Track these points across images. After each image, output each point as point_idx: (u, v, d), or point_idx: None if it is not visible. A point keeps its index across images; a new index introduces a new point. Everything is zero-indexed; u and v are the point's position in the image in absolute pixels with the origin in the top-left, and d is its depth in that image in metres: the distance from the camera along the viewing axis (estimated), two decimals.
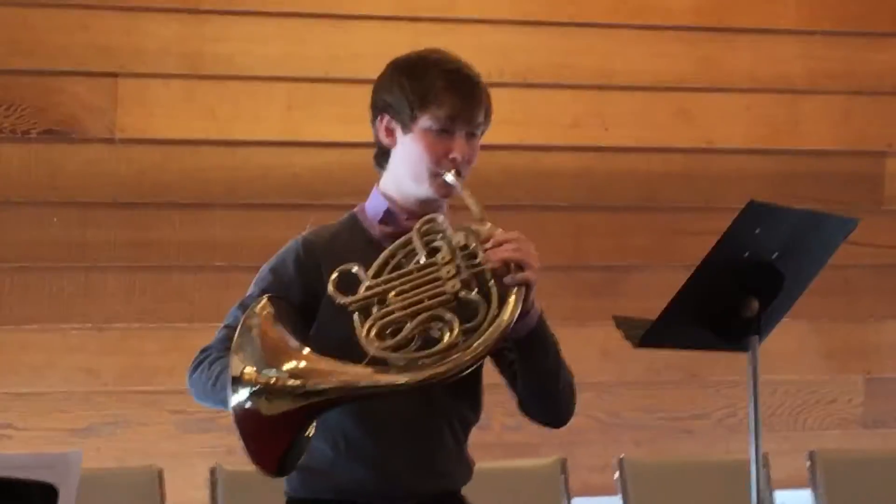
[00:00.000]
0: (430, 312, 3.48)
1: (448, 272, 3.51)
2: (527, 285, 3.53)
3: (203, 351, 3.73)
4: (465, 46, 6.40)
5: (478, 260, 3.52)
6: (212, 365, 3.67)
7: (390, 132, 3.79)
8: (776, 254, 4.43)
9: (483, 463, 6.35)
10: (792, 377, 7.12)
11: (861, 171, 7.29)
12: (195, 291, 5.99)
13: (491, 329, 3.47)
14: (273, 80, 6.59)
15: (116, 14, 6.52)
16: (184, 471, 6.27)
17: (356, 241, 3.76)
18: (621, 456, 6.53)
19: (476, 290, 3.50)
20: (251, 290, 3.78)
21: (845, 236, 4.63)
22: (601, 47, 6.99)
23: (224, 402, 3.55)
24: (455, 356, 3.44)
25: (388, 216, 3.79)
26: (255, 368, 3.42)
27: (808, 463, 6.63)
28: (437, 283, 3.51)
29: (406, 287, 3.52)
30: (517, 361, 3.71)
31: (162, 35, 6.57)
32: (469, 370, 3.49)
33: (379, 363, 3.46)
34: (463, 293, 3.49)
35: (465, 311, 3.48)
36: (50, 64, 6.48)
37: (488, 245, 3.53)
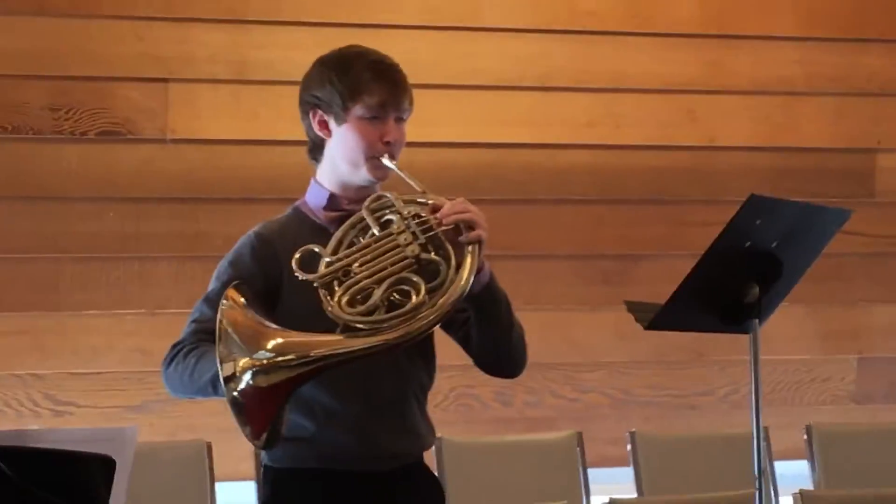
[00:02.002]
0: (396, 276, 3.47)
1: (405, 239, 3.50)
2: (479, 242, 3.52)
3: (174, 346, 3.68)
4: (489, 53, 6.56)
5: (430, 225, 3.51)
6: (186, 357, 3.63)
7: (324, 125, 3.75)
8: (775, 243, 4.43)
9: (506, 436, 6.41)
10: (790, 357, 7.12)
11: (853, 167, 7.28)
12: None
13: (453, 287, 3.47)
14: None
15: (167, 24, 6.54)
16: (230, 444, 6.24)
17: (304, 229, 3.72)
18: (633, 430, 6.52)
19: (433, 251, 3.50)
20: (212, 285, 3.73)
21: (839, 226, 4.65)
22: (614, 54, 6.99)
23: (202, 392, 3.60)
24: (423, 314, 3.43)
25: (332, 202, 3.74)
26: (247, 358, 3.42)
27: (805, 436, 6.63)
28: (397, 250, 3.50)
29: (368, 257, 3.51)
30: (474, 317, 3.68)
31: (209, 43, 6.59)
32: (435, 327, 3.51)
33: (350, 330, 3.44)
34: (423, 255, 3.48)
35: (426, 273, 3.49)
36: (106, 71, 6.51)
37: (439, 212, 3.53)
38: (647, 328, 4.71)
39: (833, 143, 7.28)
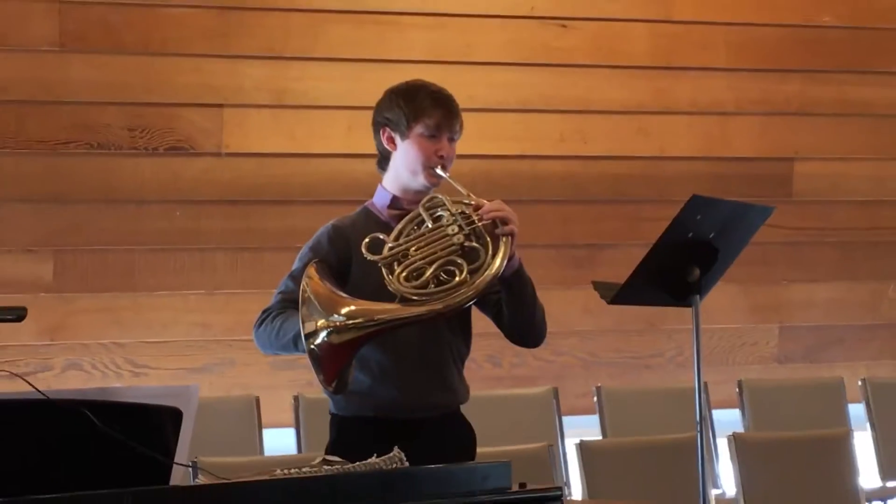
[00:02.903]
0: (444, 259, 3.54)
1: (453, 230, 3.56)
2: (511, 235, 3.58)
3: (263, 312, 3.72)
4: (480, 82, 6.59)
5: (472, 220, 3.57)
6: (273, 320, 3.67)
7: (391, 140, 3.77)
8: (712, 234, 4.44)
9: (496, 391, 6.42)
10: (724, 326, 7.10)
11: (775, 172, 7.27)
12: (281, 266, 5.99)
13: (489, 269, 3.54)
14: (338, 108, 6.58)
15: (222, 60, 6.52)
16: (275, 398, 6.27)
17: (371, 223, 3.75)
18: (598, 385, 6.54)
19: (476, 240, 3.57)
20: (295, 265, 3.74)
21: (764, 221, 4.67)
22: (581, 83, 6.97)
23: (285, 349, 3.66)
24: (463, 289, 3.51)
25: (394, 202, 3.77)
26: (324, 320, 3.46)
27: (737, 390, 6.63)
28: (446, 239, 3.56)
29: (422, 244, 3.57)
30: (505, 297, 3.71)
31: (255, 76, 6.58)
32: (473, 301, 3.57)
33: (405, 301, 3.51)
34: (467, 243, 3.55)
35: (468, 257, 3.55)
36: (173, 98, 6.48)
37: (480, 210, 3.58)
38: (609, 303, 4.73)
39: (758, 154, 7.26)
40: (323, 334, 3.48)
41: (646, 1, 7.06)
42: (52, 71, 6.33)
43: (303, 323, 3.48)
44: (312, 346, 3.48)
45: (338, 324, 3.48)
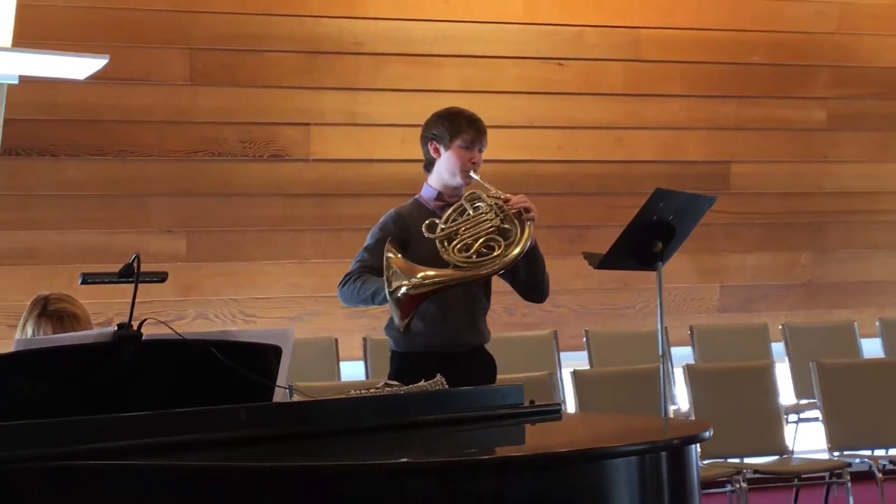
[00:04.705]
0: (486, 235, 3.57)
1: (491, 216, 3.58)
2: (533, 220, 3.62)
3: (346, 276, 3.74)
4: (498, 106, 6.61)
5: (504, 208, 3.60)
6: (355, 282, 3.69)
7: (436, 150, 3.78)
8: (671, 217, 4.45)
9: (510, 332, 6.41)
10: (680, 285, 7.07)
11: (717, 172, 7.22)
12: (353, 242, 6.00)
13: (521, 245, 3.56)
14: (394, 126, 6.56)
15: (309, 91, 6.53)
16: (349, 339, 6.29)
17: (423, 211, 3.76)
18: (587, 329, 6.54)
19: (508, 223, 3.59)
20: (368, 241, 3.77)
21: (709, 207, 4.65)
22: (572, 105, 6.94)
23: (364, 302, 3.69)
24: (500, 259, 3.55)
25: (439, 196, 3.78)
26: (405, 279, 3.51)
27: (689, 332, 6.62)
28: (487, 222, 3.58)
29: (469, 225, 3.59)
30: (523, 265, 3.72)
31: (332, 102, 6.58)
32: (507, 268, 3.59)
33: (457, 268, 3.55)
34: (502, 225, 3.58)
35: (503, 236, 3.58)
36: (273, 119, 6.49)
37: (510, 201, 3.61)
38: (595, 268, 4.74)
39: (705, 158, 7.20)
40: (403, 289, 3.51)
41: (621, 45, 7.01)
42: (185, 99, 6.35)
43: (389, 283, 3.51)
44: (398, 296, 3.52)
45: (415, 283, 3.52)
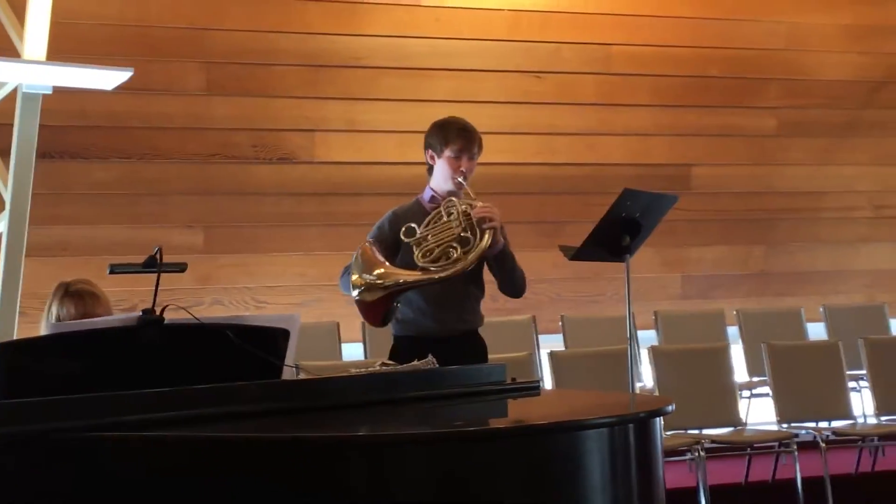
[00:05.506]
0: (447, 243, 3.52)
1: (456, 224, 3.54)
2: (493, 228, 3.55)
3: (345, 268, 3.69)
4: (483, 114, 6.54)
5: (469, 216, 3.55)
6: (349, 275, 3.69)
7: (432, 157, 3.75)
8: (638, 214, 4.45)
9: (496, 317, 6.40)
10: (645, 275, 7.08)
11: (679, 174, 7.24)
12: (353, 237, 6.00)
13: (477, 251, 3.51)
14: (390, 132, 6.57)
15: (313, 100, 6.52)
16: (350, 323, 6.27)
17: (420, 211, 3.74)
18: (563, 314, 6.53)
19: (469, 232, 3.53)
20: (371, 234, 3.75)
21: (672, 206, 4.64)
22: (551, 114, 6.95)
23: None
24: (461, 263, 3.48)
25: (433, 199, 3.75)
26: (359, 277, 3.45)
27: (654, 317, 6.62)
28: (450, 230, 3.54)
29: (436, 232, 3.55)
30: (494, 266, 3.72)
31: (334, 110, 6.57)
32: (465, 271, 3.50)
33: (423, 270, 3.49)
34: (463, 233, 3.53)
35: (462, 243, 3.52)
36: (281, 126, 6.49)
37: (475, 209, 3.56)
38: (570, 259, 4.72)
39: (668, 161, 7.22)
40: (356, 293, 3.45)
41: (593, 59, 7.01)
42: (202, 108, 6.33)
43: (350, 273, 3.46)
44: (357, 300, 3.46)
45: (369, 283, 3.44)
